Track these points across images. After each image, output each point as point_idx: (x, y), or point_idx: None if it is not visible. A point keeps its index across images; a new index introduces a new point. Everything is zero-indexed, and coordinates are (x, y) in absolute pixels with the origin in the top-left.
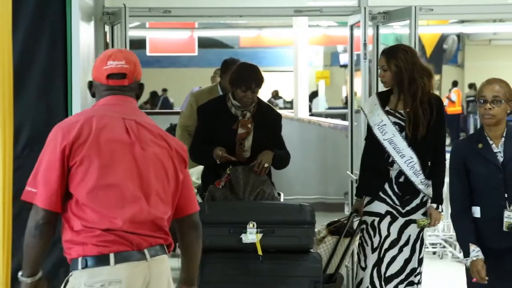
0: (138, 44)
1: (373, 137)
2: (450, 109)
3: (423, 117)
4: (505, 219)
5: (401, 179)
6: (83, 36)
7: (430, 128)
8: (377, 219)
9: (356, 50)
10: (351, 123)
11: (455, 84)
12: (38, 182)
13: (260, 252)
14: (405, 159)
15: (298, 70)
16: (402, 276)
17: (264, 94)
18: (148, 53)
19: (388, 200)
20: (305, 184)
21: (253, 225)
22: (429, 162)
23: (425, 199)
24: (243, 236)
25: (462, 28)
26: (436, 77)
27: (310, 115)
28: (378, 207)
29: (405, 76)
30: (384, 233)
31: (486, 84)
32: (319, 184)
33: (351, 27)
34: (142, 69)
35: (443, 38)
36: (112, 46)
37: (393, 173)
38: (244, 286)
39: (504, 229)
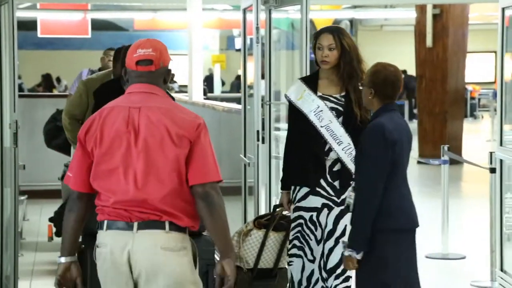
0: (29, 25)
1: (307, 126)
2: None
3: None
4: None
5: (336, 168)
6: None
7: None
8: (314, 213)
9: (249, 34)
10: (244, 106)
11: None
12: (71, 167)
13: None
14: (342, 145)
15: (193, 54)
16: (339, 270)
17: None
18: (39, 35)
19: (323, 192)
20: None
21: None
22: None
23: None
24: None
25: (354, 14)
26: None
27: (205, 99)
28: (314, 201)
29: (353, 55)
30: (323, 224)
31: None
32: None
33: (244, 11)
34: (33, 51)
35: (336, 23)
36: None
37: (327, 163)
38: None
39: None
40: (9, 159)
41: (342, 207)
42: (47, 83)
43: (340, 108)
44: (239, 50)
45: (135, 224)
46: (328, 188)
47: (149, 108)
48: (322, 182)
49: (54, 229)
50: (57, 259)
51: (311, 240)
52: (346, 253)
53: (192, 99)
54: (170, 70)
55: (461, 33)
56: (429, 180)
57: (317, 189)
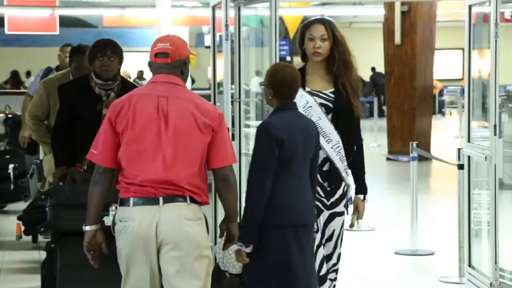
0: None
1: None
2: None
3: (356, 94)
4: None
5: (326, 167)
6: None
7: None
8: None
9: (219, 31)
10: (214, 103)
11: None
12: (98, 145)
13: None
14: (332, 143)
15: None
16: (321, 273)
17: (130, 74)
18: (7, 32)
19: None
20: None
21: (116, 207)
22: (354, 147)
23: (345, 189)
24: (105, 218)
25: (324, 11)
26: (299, 59)
27: None
28: None
29: (344, 47)
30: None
31: None
32: None
33: (213, 8)
34: (1, 48)
35: (305, 20)
36: None
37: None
38: (106, 269)
39: None
40: None
41: (332, 211)
42: (15, 80)
43: (330, 105)
44: (208, 47)
45: (161, 199)
46: (318, 188)
47: (176, 98)
48: None
49: (22, 228)
50: (84, 227)
51: None
52: (236, 247)
53: None
54: (186, 63)
55: (429, 30)
56: (398, 176)
57: None
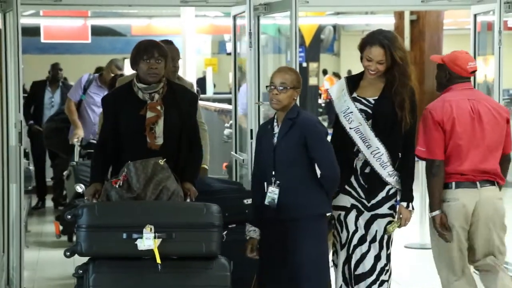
0: (33, 31)
1: (339, 125)
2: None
3: (408, 107)
4: (268, 194)
5: (367, 170)
6: None
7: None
8: (342, 213)
9: (239, 39)
10: (235, 107)
11: (325, 72)
12: (425, 143)
13: (158, 261)
14: (371, 149)
15: (186, 58)
16: (374, 276)
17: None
18: (43, 40)
19: (353, 192)
20: None
21: (151, 229)
22: (399, 154)
23: (391, 192)
24: (138, 242)
25: (338, 20)
26: (314, 65)
27: None
28: (343, 200)
29: (405, 65)
30: (351, 228)
31: (276, 72)
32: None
33: (234, 18)
34: (37, 55)
35: (320, 29)
36: (5, 33)
37: (358, 163)
38: None
39: (266, 203)
40: (15, 157)
41: (373, 213)
42: None
43: (369, 111)
44: (229, 54)
45: (478, 183)
46: (358, 189)
47: (481, 99)
48: (354, 182)
49: (60, 227)
50: (430, 214)
51: (337, 242)
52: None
53: None
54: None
55: (436, 37)
56: None
57: (347, 188)
